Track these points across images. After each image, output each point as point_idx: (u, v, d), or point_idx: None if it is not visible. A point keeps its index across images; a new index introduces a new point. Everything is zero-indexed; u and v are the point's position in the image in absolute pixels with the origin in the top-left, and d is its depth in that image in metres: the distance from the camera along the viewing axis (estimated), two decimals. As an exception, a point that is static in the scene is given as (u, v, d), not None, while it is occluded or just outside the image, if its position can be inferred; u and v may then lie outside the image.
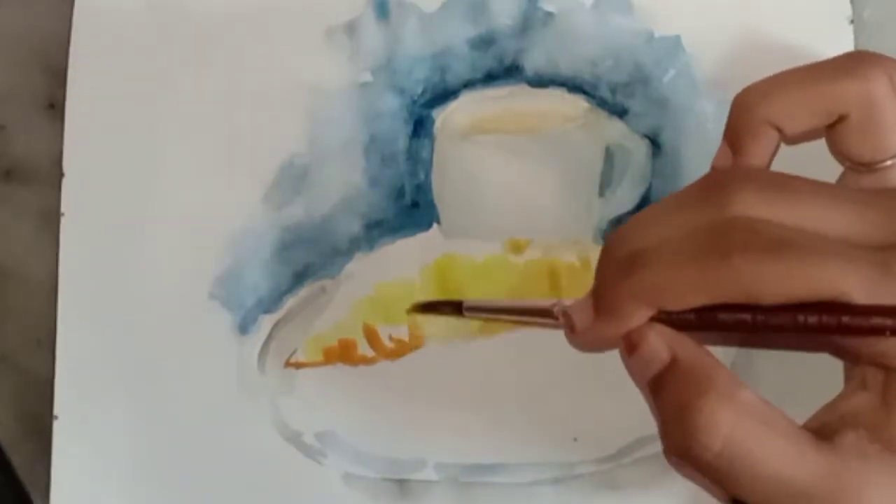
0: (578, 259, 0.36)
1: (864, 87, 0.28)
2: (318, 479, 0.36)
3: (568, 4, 0.37)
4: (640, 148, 0.37)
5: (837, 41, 0.36)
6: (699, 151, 0.36)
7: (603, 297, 0.28)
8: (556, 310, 0.30)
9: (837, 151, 0.30)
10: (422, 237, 0.36)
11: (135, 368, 0.36)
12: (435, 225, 0.37)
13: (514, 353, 0.36)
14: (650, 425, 0.35)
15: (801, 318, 0.26)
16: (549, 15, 0.37)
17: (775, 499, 0.26)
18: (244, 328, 0.36)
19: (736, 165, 0.29)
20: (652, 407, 0.28)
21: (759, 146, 0.29)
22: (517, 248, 0.36)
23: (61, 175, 0.37)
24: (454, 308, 0.33)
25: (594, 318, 0.28)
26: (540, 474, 0.35)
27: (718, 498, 0.27)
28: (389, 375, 0.36)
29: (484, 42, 0.37)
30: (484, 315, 0.34)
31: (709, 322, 0.27)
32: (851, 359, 0.29)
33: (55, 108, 0.37)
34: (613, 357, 0.36)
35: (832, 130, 0.29)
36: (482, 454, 0.36)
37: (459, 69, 0.37)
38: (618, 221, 0.36)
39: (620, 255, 0.28)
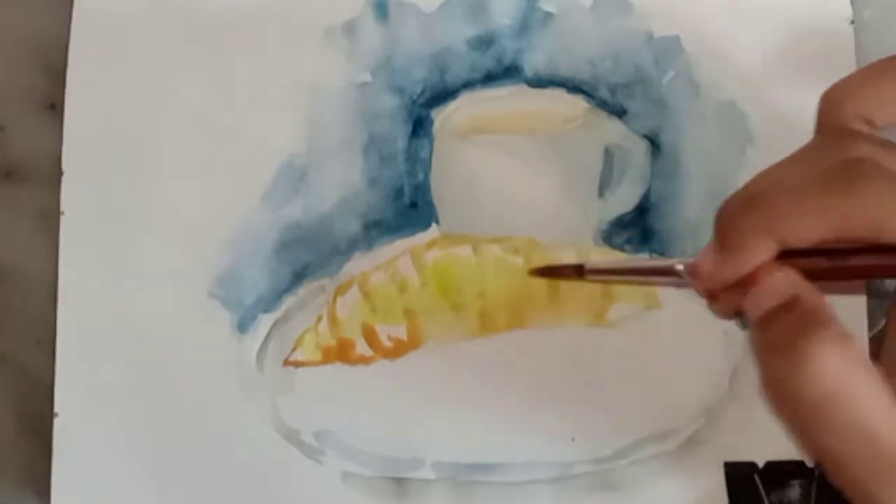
0: (578, 259, 0.36)
1: None
2: (316, 478, 0.36)
3: (567, 5, 0.37)
4: (640, 148, 0.36)
5: (838, 41, 0.36)
6: (699, 151, 0.36)
7: (726, 234, 0.28)
8: (679, 266, 0.30)
9: None
10: (421, 237, 0.36)
11: (135, 367, 0.36)
12: (434, 225, 0.37)
13: (512, 353, 0.36)
14: (649, 426, 0.35)
15: None
16: (549, 15, 0.37)
17: (855, 454, 0.25)
18: (243, 327, 0.36)
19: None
20: (755, 343, 0.27)
21: None
22: (516, 248, 0.36)
23: (61, 174, 0.37)
24: (575, 271, 0.33)
25: (719, 260, 0.28)
26: (538, 474, 0.35)
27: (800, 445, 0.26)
28: (388, 375, 0.36)
29: (483, 42, 0.37)
30: (605, 278, 0.33)
31: (838, 266, 0.27)
32: None
33: (55, 108, 0.37)
34: (611, 358, 0.36)
35: None
36: (480, 453, 0.36)
37: (459, 69, 0.37)
38: (618, 222, 0.36)
39: (743, 197, 0.28)
